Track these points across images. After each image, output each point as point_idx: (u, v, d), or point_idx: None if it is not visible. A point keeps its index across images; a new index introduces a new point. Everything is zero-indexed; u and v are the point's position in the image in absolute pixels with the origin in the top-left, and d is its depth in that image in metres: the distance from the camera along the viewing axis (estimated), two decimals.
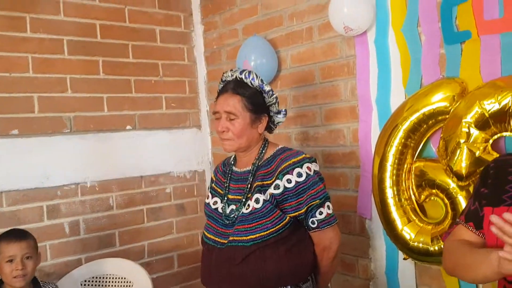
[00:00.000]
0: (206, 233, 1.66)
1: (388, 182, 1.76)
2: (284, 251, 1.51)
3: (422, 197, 1.73)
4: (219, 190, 1.70)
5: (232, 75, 1.64)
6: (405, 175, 1.75)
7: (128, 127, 2.58)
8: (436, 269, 1.80)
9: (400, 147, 1.73)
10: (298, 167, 1.53)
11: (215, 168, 1.83)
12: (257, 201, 1.53)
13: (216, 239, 1.60)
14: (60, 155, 2.33)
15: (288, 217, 1.52)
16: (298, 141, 2.30)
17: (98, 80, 2.47)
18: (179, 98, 2.79)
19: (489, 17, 1.60)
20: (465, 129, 1.51)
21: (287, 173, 1.52)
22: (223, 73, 1.70)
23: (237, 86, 1.60)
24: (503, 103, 1.44)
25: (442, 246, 1.61)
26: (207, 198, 1.74)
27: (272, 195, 1.52)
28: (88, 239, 2.41)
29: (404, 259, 1.81)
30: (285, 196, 1.51)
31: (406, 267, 1.90)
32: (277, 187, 1.52)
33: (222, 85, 1.68)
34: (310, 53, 2.22)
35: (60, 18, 2.36)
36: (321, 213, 1.52)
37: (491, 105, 1.46)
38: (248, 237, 1.51)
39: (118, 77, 2.55)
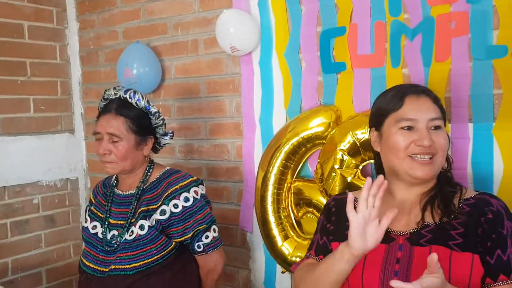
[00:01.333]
0: (84, 261, 1.57)
1: (269, 200, 1.85)
2: (169, 278, 1.51)
3: (300, 214, 1.85)
4: (99, 213, 1.62)
5: (115, 94, 1.57)
6: (285, 194, 1.85)
7: None
8: None
9: (281, 168, 1.83)
10: (185, 191, 1.52)
11: (94, 189, 1.74)
12: (141, 227, 1.49)
13: (96, 267, 1.52)
14: None
15: (174, 243, 1.51)
16: (182, 153, 2.28)
17: None
18: (49, 100, 2.57)
19: (362, 52, 1.76)
20: (339, 156, 1.65)
21: (174, 198, 1.51)
22: (105, 90, 1.61)
23: (121, 107, 1.53)
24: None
25: None
26: (85, 222, 1.65)
27: (158, 220, 1.50)
28: None
29: (282, 272, 1.93)
30: (171, 221, 1.50)
31: (283, 278, 2.02)
32: (163, 212, 1.50)
33: (104, 103, 1.59)
34: (196, 65, 2.21)
35: None
36: (207, 237, 1.54)
37: (361, 135, 1.62)
38: (132, 265, 1.47)
39: None
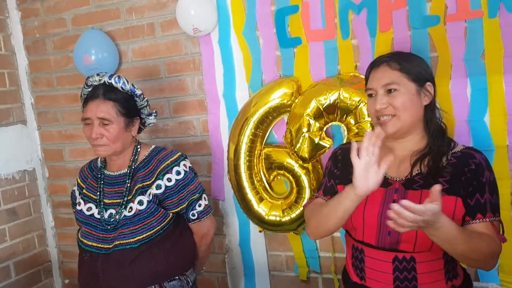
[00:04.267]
0: (85, 241, 1.65)
1: (242, 167, 2.02)
2: (170, 246, 1.64)
3: (271, 177, 2.05)
4: (91, 195, 1.70)
5: (100, 80, 1.64)
6: (256, 160, 2.04)
7: None
8: (283, 236, 2.17)
9: (251, 136, 2.00)
10: (176, 165, 1.65)
11: (80, 173, 1.81)
12: (140, 203, 1.60)
13: (99, 245, 1.62)
14: None
15: (170, 214, 1.65)
16: (147, 133, 2.37)
17: None
18: None
19: (314, 27, 1.96)
20: (306, 121, 1.86)
21: (167, 172, 1.63)
22: (88, 77, 1.68)
23: (108, 91, 1.61)
24: (332, 98, 1.83)
25: (292, 216, 1.97)
26: (78, 205, 1.72)
27: (155, 195, 1.62)
28: None
29: (260, 231, 2.13)
30: (167, 194, 1.63)
31: (257, 237, 2.22)
32: (158, 187, 1.62)
33: (88, 90, 1.66)
34: (154, 48, 2.29)
35: None
36: (200, 205, 1.69)
37: (324, 101, 1.84)
38: (135, 239, 1.58)
39: None
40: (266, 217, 2.01)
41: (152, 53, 2.30)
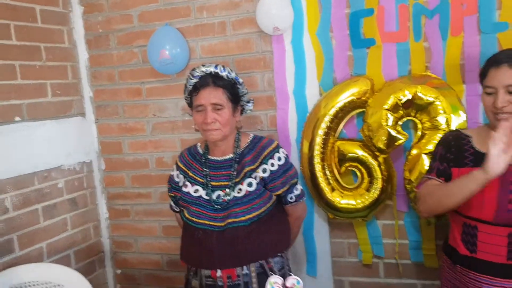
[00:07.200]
0: (197, 220, 1.75)
1: (316, 158, 2.17)
2: (275, 224, 1.77)
3: (343, 168, 2.19)
4: (198, 178, 1.81)
5: (206, 70, 1.75)
6: (329, 153, 2.18)
7: (17, 118, 2.29)
8: (346, 224, 2.32)
9: (326, 130, 2.15)
10: (276, 152, 1.79)
11: (181, 158, 1.92)
12: (249, 184, 1.73)
13: (212, 223, 1.73)
14: None
15: (273, 196, 1.77)
16: None
17: None
18: (63, 85, 2.58)
19: (388, 30, 2.13)
20: (384, 114, 2.02)
21: (270, 158, 1.76)
22: (194, 69, 1.79)
23: (216, 79, 1.74)
24: (410, 95, 1.99)
25: (366, 204, 2.12)
26: (185, 188, 1.82)
27: (262, 178, 1.74)
28: None
29: (331, 218, 2.27)
30: (272, 177, 1.76)
31: (320, 225, 2.37)
32: (264, 170, 1.75)
33: (196, 80, 1.77)
34: (224, 46, 2.41)
35: None
36: (297, 189, 1.83)
37: (402, 96, 2.00)
38: (246, 217, 1.70)
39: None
40: (339, 205, 2.15)
41: (221, 51, 2.42)
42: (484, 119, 2.02)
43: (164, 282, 2.75)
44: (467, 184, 1.48)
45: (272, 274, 1.65)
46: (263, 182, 1.75)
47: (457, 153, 1.64)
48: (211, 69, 1.75)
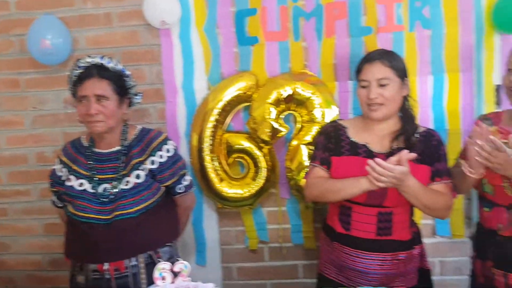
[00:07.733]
0: (81, 214, 1.72)
1: (205, 151, 2.24)
2: (164, 215, 1.80)
3: (231, 159, 2.30)
4: (83, 171, 1.77)
5: (92, 61, 1.73)
6: (217, 145, 2.27)
7: None
8: (234, 212, 2.43)
9: (214, 123, 2.24)
10: (165, 144, 1.82)
11: (64, 151, 1.86)
12: (138, 176, 1.74)
13: (98, 216, 1.70)
14: None
15: (162, 187, 1.81)
16: None
17: None
18: None
19: (271, 29, 2.27)
20: (268, 108, 2.16)
21: (159, 150, 1.79)
22: (78, 59, 1.75)
23: (101, 71, 1.72)
24: (290, 90, 2.16)
25: (252, 192, 2.25)
26: (68, 181, 1.77)
27: (150, 169, 1.76)
28: None
29: (219, 208, 2.35)
30: (161, 168, 1.79)
31: (209, 215, 2.45)
32: (153, 162, 1.77)
33: (81, 71, 1.73)
34: (110, 37, 2.37)
35: None
36: (185, 180, 1.88)
37: (283, 92, 2.16)
38: (134, 209, 1.71)
39: None
40: (227, 194, 2.25)
41: (107, 42, 2.38)
42: (355, 113, 2.25)
43: (46, 283, 2.62)
44: (351, 187, 1.65)
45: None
46: (151, 173, 1.78)
47: (335, 143, 1.81)
48: (97, 60, 1.73)
